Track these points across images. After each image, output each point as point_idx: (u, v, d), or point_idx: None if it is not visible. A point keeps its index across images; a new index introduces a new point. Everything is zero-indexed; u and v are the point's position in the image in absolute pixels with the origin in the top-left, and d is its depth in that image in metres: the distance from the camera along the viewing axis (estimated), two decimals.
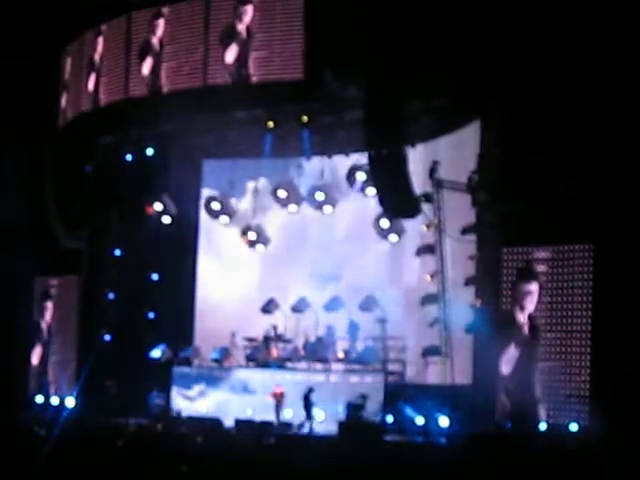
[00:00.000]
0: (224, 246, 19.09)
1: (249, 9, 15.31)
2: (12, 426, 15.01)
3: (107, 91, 16.77)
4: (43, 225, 17.96)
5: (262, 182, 18.60)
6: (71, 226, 17.86)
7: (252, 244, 18.52)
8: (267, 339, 17.13)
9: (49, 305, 18.69)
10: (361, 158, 16.57)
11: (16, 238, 18.53)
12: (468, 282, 15.60)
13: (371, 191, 16.59)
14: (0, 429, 14.50)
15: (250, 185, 18.75)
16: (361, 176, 17.02)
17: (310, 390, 15.41)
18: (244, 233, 18.47)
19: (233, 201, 18.66)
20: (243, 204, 18.71)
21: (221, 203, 18.58)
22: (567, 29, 13.53)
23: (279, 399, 15.71)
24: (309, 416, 15.24)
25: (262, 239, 18.50)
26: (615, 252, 13.17)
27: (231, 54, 15.42)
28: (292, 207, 18.09)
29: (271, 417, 15.53)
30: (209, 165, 19.37)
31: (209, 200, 18.73)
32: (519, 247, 14.20)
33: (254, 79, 15.19)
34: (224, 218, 18.68)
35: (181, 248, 19.06)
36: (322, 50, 14.54)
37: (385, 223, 17.16)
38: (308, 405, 15.29)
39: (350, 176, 17.31)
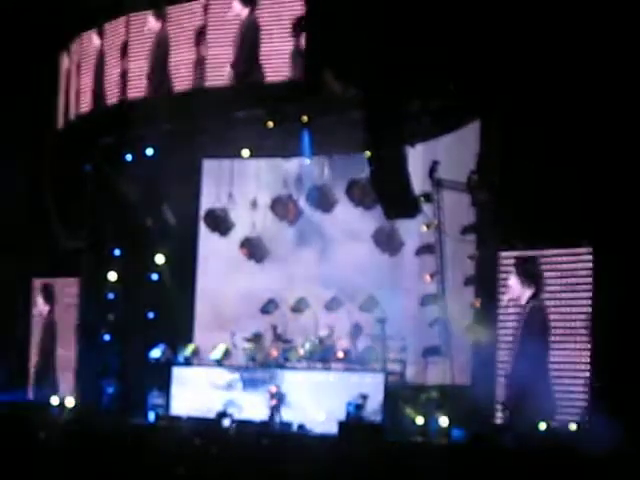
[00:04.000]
0: (223, 248, 19.02)
1: (249, 9, 15.34)
2: (11, 426, 15.01)
3: (107, 91, 16.78)
4: (43, 225, 17.95)
5: (261, 195, 18.49)
6: (71, 226, 17.86)
7: (251, 256, 18.46)
8: (261, 337, 17.13)
9: (48, 305, 18.66)
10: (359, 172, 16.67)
11: (15, 238, 18.54)
12: (468, 282, 15.59)
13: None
14: None
15: (249, 198, 18.61)
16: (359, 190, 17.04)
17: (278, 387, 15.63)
18: (242, 246, 18.44)
19: (232, 214, 18.55)
20: (241, 217, 18.58)
21: (220, 216, 18.48)
22: (567, 29, 13.52)
23: (273, 398, 15.75)
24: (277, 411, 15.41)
25: (261, 252, 18.44)
26: (615, 253, 13.15)
27: (231, 54, 15.44)
28: (291, 220, 18.07)
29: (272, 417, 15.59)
30: (208, 171, 19.29)
31: (208, 213, 18.66)
32: (518, 247, 14.19)
33: (254, 79, 15.20)
34: (223, 231, 18.56)
35: (181, 248, 19.05)
36: (322, 50, 14.53)
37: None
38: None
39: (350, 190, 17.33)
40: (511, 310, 14.13)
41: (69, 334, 18.27)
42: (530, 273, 13.93)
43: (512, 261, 14.11)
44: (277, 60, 15.04)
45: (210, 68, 15.54)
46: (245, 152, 17.37)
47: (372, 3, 14.39)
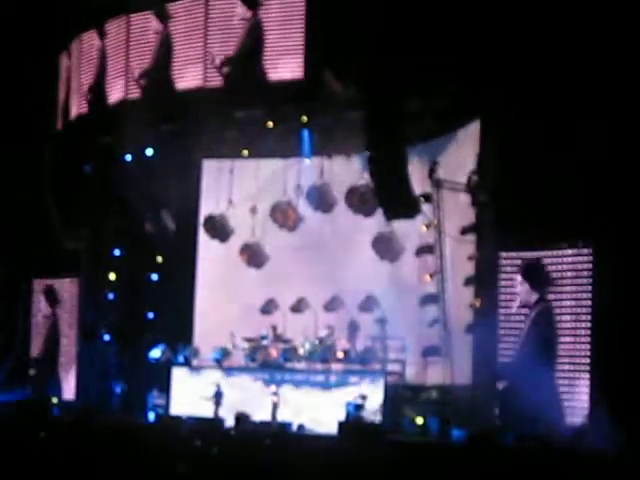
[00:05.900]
0: (223, 249, 19.00)
1: (252, 11, 15.37)
2: (11, 426, 15.01)
3: (106, 91, 16.79)
4: (43, 225, 17.96)
5: (260, 199, 18.48)
6: (71, 226, 17.87)
7: (250, 262, 18.45)
8: (264, 339, 17.13)
9: (51, 308, 18.65)
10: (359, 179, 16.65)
11: (15, 238, 18.55)
12: (468, 282, 15.59)
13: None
14: None
15: (248, 202, 18.60)
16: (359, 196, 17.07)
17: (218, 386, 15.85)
18: (242, 251, 18.42)
19: (231, 219, 18.53)
20: (241, 222, 18.56)
21: (219, 222, 18.46)
22: (567, 30, 13.54)
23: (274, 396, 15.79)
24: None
25: (260, 257, 18.43)
26: (615, 253, 13.16)
27: (230, 54, 15.46)
28: (290, 226, 18.06)
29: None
30: (208, 172, 19.28)
31: (207, 220, 18.64)
32: (518, 247, 14.18)
33: (254, 79, 15.22)
34: (222, 237, 18.54)
35: (181, 248, 19.05)
36: (322, 50, 14.54)
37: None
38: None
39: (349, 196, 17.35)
40: (518, 314, 14.05)
41: (69, 334, 18.28)
42: (538, 278, 13.84)
43: (517, 266, 13.99)
44: (277, 60, 15.07)
45: (211, 68, 15.57)
46: (245, 152, 17.23)
47: (372, 3, 14.42)
